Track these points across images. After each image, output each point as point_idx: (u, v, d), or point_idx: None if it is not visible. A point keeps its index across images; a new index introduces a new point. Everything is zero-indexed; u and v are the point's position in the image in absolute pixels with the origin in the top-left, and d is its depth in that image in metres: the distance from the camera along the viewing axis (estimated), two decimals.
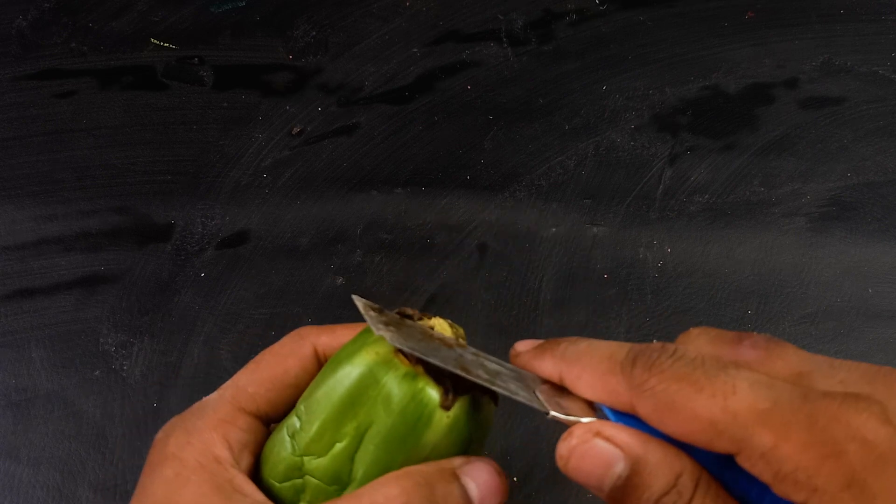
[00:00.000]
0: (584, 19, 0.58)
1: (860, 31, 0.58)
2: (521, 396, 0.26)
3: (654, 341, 0.24)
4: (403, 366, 0.26)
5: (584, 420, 0.24)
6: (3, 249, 0.48)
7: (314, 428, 0.27)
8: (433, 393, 0.26)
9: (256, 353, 0.30)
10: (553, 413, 0.25)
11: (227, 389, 0.29)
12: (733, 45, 0.57)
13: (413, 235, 0.49)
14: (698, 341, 0.25)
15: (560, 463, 0.24)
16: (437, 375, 0.26)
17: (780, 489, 0.20)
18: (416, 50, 0.56)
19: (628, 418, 0.24)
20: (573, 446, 0.24)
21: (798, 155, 0.52)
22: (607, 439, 0.23)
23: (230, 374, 0.30)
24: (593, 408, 0.25)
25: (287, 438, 0.27)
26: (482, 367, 0.26)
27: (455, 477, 0.26)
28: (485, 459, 0.28)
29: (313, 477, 0.27)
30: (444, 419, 0.26)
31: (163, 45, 0.56)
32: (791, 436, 0.20)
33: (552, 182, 0.51)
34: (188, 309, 0.46)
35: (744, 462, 0.21)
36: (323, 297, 0.47)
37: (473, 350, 0.28)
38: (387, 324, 0.26)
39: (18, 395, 0.43)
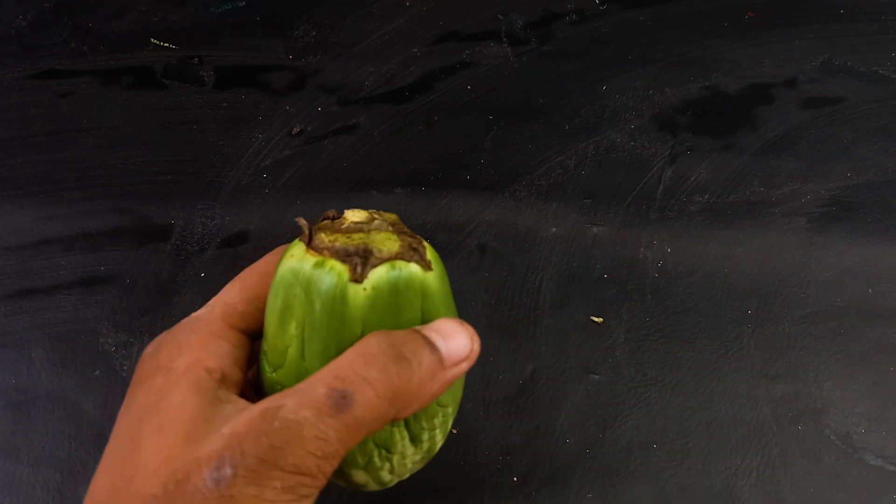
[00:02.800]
0: (584, 19, 0.58)
1: (860, 31, 0.58)
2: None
3: None
4: (313, 257, 0.27)
5: None
6: (3, 249, 0.48)
7: (270, 342, 0.28)
8: (340, 269, 0.26)
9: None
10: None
11: (216, 306, 0.29)
12: (733, 45, 0.57)
13: None
14: None
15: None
16: (347, 256, 0.27)
17: None
18: (416, 50, 0.56)
19: None
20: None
21: (798, 155, 0.52)
22: None
23: None
24: None
25: (262, 360, 0.29)
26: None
27: (416, 332, 0.27)
28: (448, 317, 0.28)
29: (285, 387, 0.27)
30: (360, 293, 0.26)
31: (163, 45, 0.56)
32: None
33: (552, 182, 0.51)
34: (188, 309, 0.46)
35: None
36: None
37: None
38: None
39: (18, 395, 0.43)
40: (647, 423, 0.42)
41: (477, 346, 0.28)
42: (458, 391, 0.32)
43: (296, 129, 0.53)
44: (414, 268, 0.27)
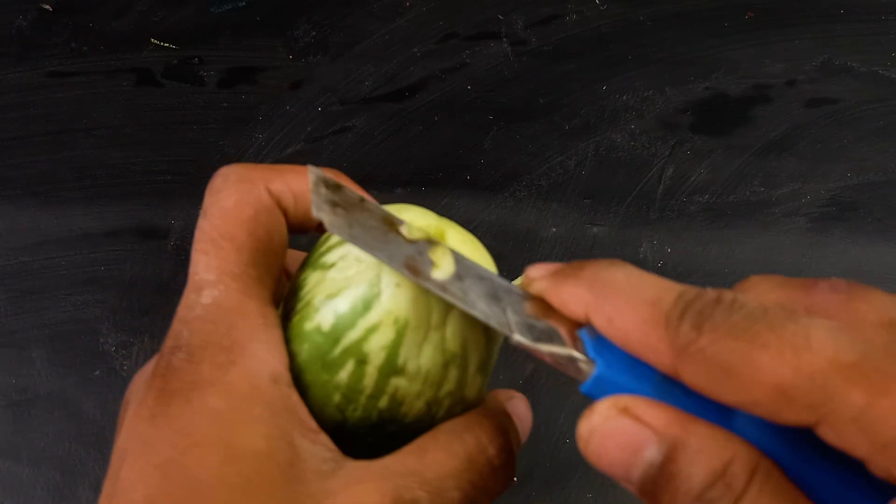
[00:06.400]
0: (584, 19, 0.58)
1: (860, 31, 0.58)
2: (479, 310, 0.21)
3: (708, 288, 0.19)
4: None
5: (559, 351, 0.20)
6: (3, 249, 0.48)
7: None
8: None
9: None
10: (517, 337, 0.20)
11: (228, 281, 0.23)
12: (733, 45, 0.57)
13: None
14: (759, 289, 0.20)
15: (580, 444, 0.19)
16: None
17: (879, 463, 0.16)
18: (416, 50, 0.56)
19: (613, 352, 0.19)
20: (594, 425, 0.19)
21: (798, 155, 0.52)
22: (637, 418, 0.18)
23: None
24: (575, 334, 0.21)
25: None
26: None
27: (508, 416, 0.25)
28: (517, 394, 0.27)
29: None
30: None
31: (163, 45, 0.56)
32: (891, 390, 0.15)
33: (552, 182, 0.51)
34: None
35: (827, 433, 0.16)
36: None
37: (449, 248, 0.23)
38: (335, 205, 0.22)
39: (18, 395, 0.43)
40: None
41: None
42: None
43: (295, 129, 0.52)
44: None
